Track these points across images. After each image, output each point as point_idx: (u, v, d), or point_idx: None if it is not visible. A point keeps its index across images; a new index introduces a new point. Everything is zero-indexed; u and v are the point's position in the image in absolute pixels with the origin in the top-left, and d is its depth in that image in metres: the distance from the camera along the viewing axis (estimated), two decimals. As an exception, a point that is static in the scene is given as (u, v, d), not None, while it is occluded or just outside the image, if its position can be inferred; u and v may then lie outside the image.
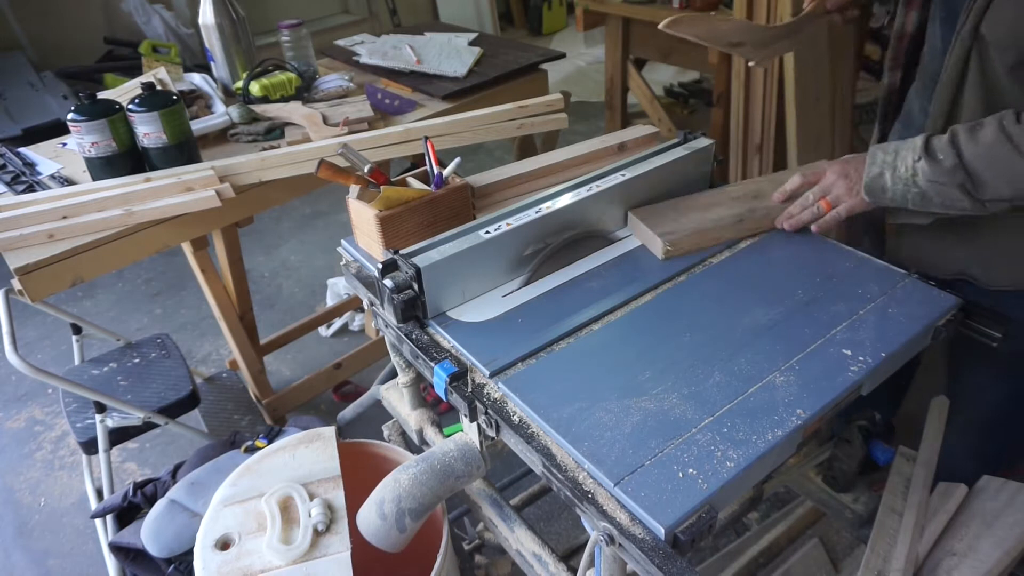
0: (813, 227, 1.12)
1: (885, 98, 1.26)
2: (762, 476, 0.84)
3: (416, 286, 0.98)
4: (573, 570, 0.98)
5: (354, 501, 1.01)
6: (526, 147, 2.14)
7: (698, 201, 1.19)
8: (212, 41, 1.89)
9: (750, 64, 1.24)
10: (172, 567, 1.26)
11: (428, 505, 0.95)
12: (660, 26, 1.14)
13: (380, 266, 0.99)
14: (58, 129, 2.27)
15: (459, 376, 0.91)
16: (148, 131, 1.47)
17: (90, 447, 1.70)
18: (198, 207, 1.43)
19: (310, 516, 1.01)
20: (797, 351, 0.91)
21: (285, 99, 1.79)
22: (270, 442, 1.37)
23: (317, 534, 1.00)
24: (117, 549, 1.37)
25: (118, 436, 1.73)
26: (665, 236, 1.09)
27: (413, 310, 0.99)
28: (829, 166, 1.11)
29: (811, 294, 1.01)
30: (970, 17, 0.96)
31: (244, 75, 1.83)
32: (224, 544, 1.01)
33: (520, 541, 1.09)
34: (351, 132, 1.65)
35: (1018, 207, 0.96)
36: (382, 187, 1.07)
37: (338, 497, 1.05)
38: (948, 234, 1.13)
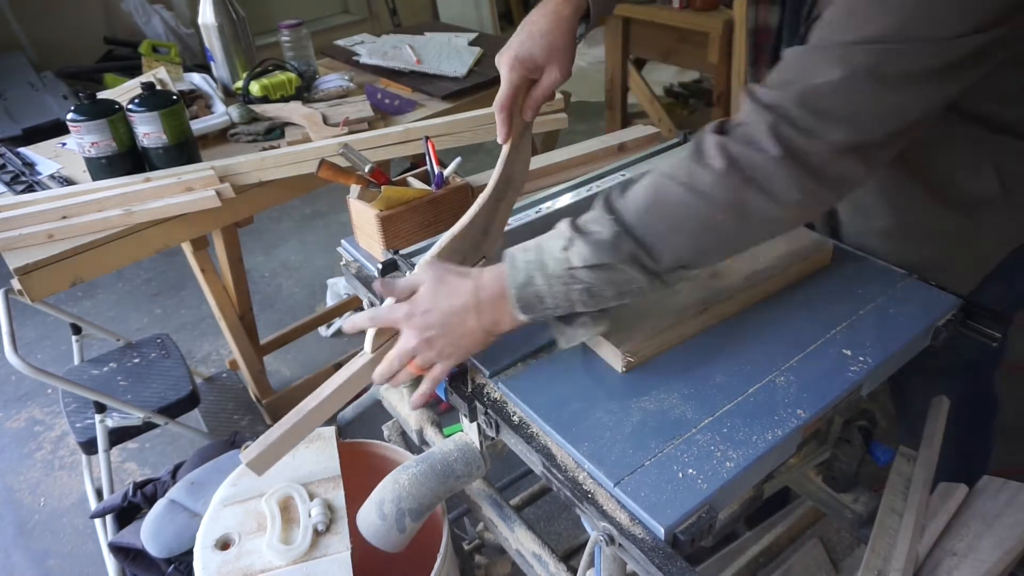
0: (411, 403, 0.89)
1: (754, 39, 1.14)
2: (762, 476, 0.84)
3: (416, 286, 0.97)
4: (573, 570, 0.98)
5: (354, 501, 1.02)
6: (526, 147, 2.14)
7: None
8: (212, 41, 1.89)
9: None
10: (172, 567, 1.26)
11: (428, 505, 0.95)
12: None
13: (380, 266, 0.99)
14: (58, 129, 2.27)
15: (459, 376, 0.91)
16: (148, 131, 1.47)
17: (90, 447, 1.70)
18: (198, 207, 1.44)
19: (310, 516, 1.01)
20: (797, 351, 0.91)
21: (285, 99, 1.79)
22: (270, 442, 1.37)
23: (317, 534, 1.00)
24: (117, 549, 1.37)
25: (118, 436, 1.73)
26: (623, 346, 0.87)
27: (413, 310, 0.99)
28: (403, 318, 0.83)
29: (811, 294, 1.01)
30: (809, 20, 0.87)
31: (244, 75, 1.83)
32: (224, 544, 1.01)
33: (520, 541, 1.09)
34: (351, 132, 1.65)
35: (702, 266, 0.80)
36: (383, 187, 1.07)
37: (338, 497, 1.05)
38: (898, 241, 1.07)
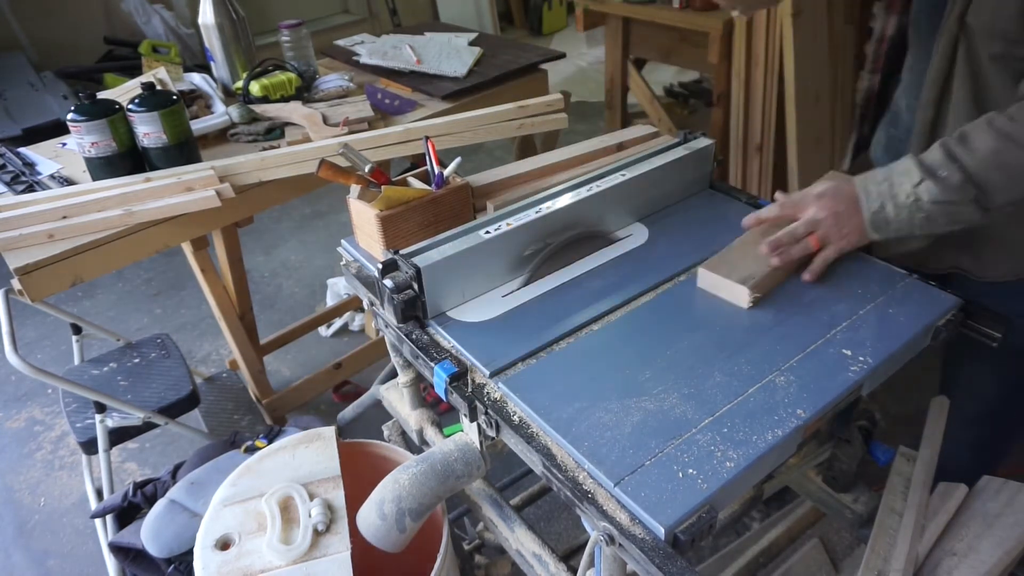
0: (805, 276, 1.03)
1: (864, 102, 1.24)
2: (762, 476, 0.84)
3: (416, 286, 0.98)
4: (573, 570, 0.98)
5: (354, 501, 1.02)
6: (526, 147, 2.14)
7: (747, 241, 1.08)
8: (212, 41, 1.89)
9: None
10: (172, 567, 1.26)
11: (428, 505, 0.95)
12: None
13: (380, 266, 0.99)
14: (58, 129, 2.27)
15: (459, 376, 0.91)
16: (148, 131, 1.47)
17: (90, 447, 1.70)
18: (198, 207, 1.43)
19: (310, 516, 1.01)
20: (797, 351, 0.91)
21: (285, 99, 1.79)
22: (270, 442, 1.37)
23: (317, 534, 1.00)
24: (117, 549, 1.37)
25: (118, 436, 1.73)
26: (747, 282, 0.99)
27: (413, 310, 0.99)
28: (815, 201, 1.03)
29: (811, 294, 1.01)
30: (956, 6, 0.95)
31: (244, 75, 1.83)
32: (224, 544, 1.01)
33: (520, 541, 1.09)
34: (351, 132, 1.65)
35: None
36: (383, 187, 1.07)
37: (338, 497, 1.05)
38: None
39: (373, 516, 0.94)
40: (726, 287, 1.01)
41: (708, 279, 1.03)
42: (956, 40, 0.97)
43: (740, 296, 1.00)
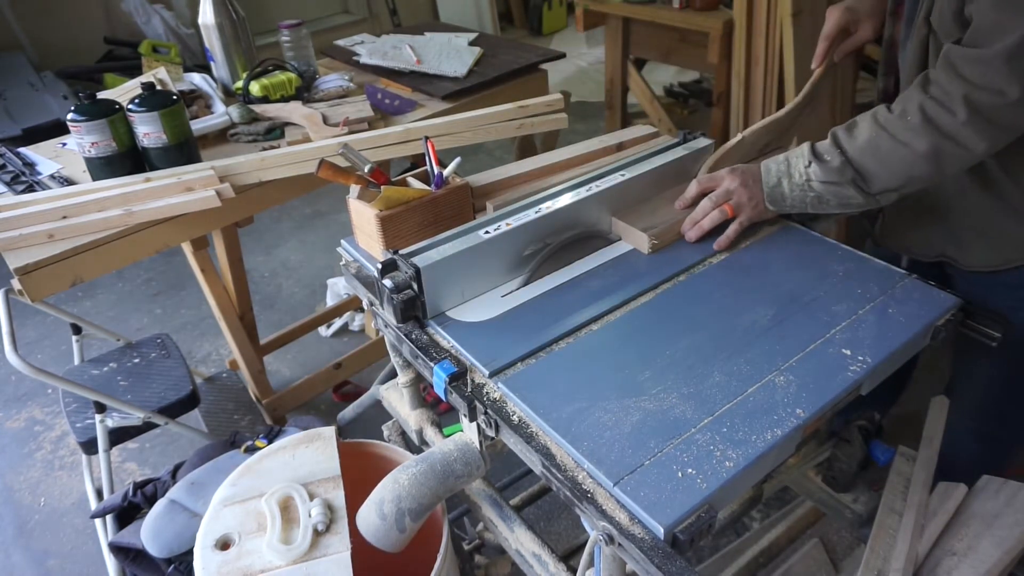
0: (716, 244, 1.12)
1: (881, 103, 1.28)
2: (761, 476, 0.84)
3: (416, 286, 0.98)
4: (573, 570, 0.98)
5: (354, 501, 1.02)
6: (526, 147, 2.14)
7: (665, 196, 1.21)
8: (212, 41, 1.89)
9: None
10: (172, 567, 1.26)
11: (428, 505, 0.95)
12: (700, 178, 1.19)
13: (380, 266, 0.99)
14: (58, 129, 2.27)
15: (458, 376, 0.91)
16: (148, 131, 1.47)
17: (90, 447, 1.70)
18: (198, 207, 1.43)
19: (310, 516, 1.01)
20: (797, 351, 0.91)
21: (285, 99, 1.79)
22: (270, 442, 1.37)
23: (317, 534, 1.00)
24: (117, 549, 1.37)
25: (118, 436, 1.73)
26: (648, 231, 1.12)
27: (412, 310, 0.99)
28: (728, 174, 1.13)
29: (811, 294, 1.01)
30: (922, 8, 1.01)
31: (244, 75, 1.83)
32: (224, 544, 1.01)
33: (520, 541, 1.09)
34: (351, 132, 1.65)
35: (907, 193, 1.02)
36: (382, 187, 1.07)
37: (338, 497, 1.05)
38: (924, 216, 1.18)
39: (373, 516, 0.94)
40: (631, 234, 1.14)
41: (618, 226, 1.16)
42: (926, 39, 1.03)
43: (641, 242, 1.12)
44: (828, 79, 1.29)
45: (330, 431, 1.17)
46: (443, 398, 0.92)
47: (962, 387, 1.34)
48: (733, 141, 1.23)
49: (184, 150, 1.53)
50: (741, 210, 1.11)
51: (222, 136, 1.71)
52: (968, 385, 1.33)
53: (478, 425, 0.91)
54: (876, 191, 1.01)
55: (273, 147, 1.64)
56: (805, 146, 1.05)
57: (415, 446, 1.31)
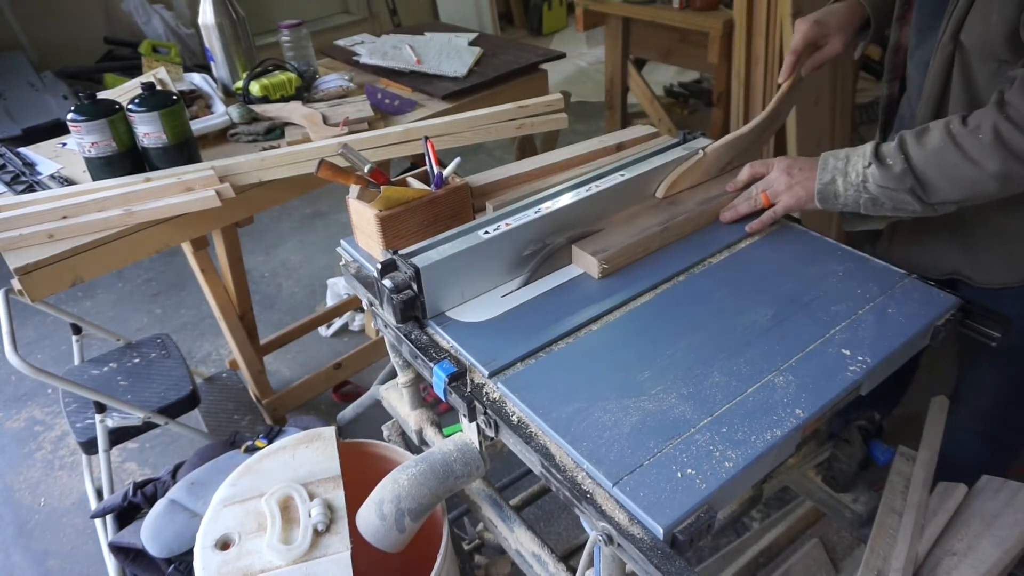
0: (747, 227, 1.13)
1: (885, 108, 1.28)
2: (761, 476, 0.84)
3: (415, 286, 0.98)
4: (572, 570, 0.98)
5: (354, 501, 1.02)
6: (526, 147, 2.14)
7: (621, 216, 1.17)
8: (212, 41, 1.89)
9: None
10: (172, 567, 1.26)
11: (427, 505, 0.95)
12: (659, 195, 1.21)
13: (379, 266, 0.99)
14: (58, 129, 2.27)
15: (458, 376, 0.91)
16: (148, 131, 1.47)
17: (90, 447, 1.70)
18: (198, 207, 1.44)
19: (310, 516, 1.01)
20: (796, 351, 0.91)
21: (285, 99, 1.79)
22: (270, 442, 1.37)
23: (317, 534, 1.00)
24: (117, 549, 1.37)
25: (118, 436, 1.73)
26: (598, 254, 1.07)
27: (412, 310, 0.99)
28: (778, 162, 1.12)
29: (810, 294, 1.01)
30: (949, 25, 0.98)
31: (244, 75, 1.83)
32: (224, 544, 1.01)
33: (520, 541, 1.09)
34: (351, 132, 1.65)
35: (968, 205, 0.99)
36: (382, 187, 1.07)
37: (338, 497, 1.05)
38: (940, 235, 1.15)
39: (373, 516, 0.94)
40: (583, 259, 1.09)
41: (575, 255, 1.11)
42: (951, 59, 1.00)
43: (592, 267, 1.08)
44: (795, 94, 1.27)
45: (330, 431, 1.17)
46: (443, 398, 0.92)
47: (969, 392, 1.33)
48: (694, 158, 1.21)
49: (184, 150, 1.53)
50: (777, 198, 1.11)
51: (222, 136, 1.71)
52: (975, 390, 1.32)
53: (478, 425, 0.91)
54: (935, 201, 0.98)
55: (273, 147, 1.64)
56: (869, 145, 1.02)
57: (415, 446, 1.31)
